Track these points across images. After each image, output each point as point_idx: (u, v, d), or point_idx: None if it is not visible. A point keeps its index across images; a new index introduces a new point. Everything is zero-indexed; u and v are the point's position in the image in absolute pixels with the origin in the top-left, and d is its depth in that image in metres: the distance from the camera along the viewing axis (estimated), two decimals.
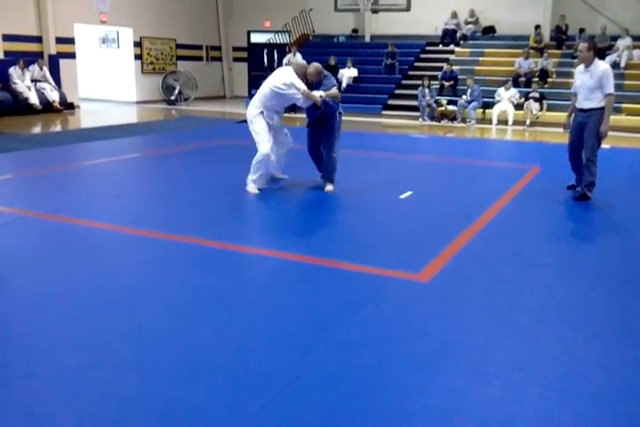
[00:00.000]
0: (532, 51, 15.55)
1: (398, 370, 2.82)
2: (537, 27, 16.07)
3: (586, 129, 6.01)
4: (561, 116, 13.07)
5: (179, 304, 3.55)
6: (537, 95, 13.53)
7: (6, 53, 14.55)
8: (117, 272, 4.08)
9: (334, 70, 16.75)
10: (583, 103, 6.05)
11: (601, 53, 15.08)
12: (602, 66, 5.95)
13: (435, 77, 15.24)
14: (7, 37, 14.58)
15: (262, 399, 2.54)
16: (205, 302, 3.60)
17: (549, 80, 14.80)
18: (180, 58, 19.81)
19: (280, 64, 18.05)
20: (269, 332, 3.20)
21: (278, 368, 2.80)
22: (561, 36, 16.00)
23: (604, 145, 6.37)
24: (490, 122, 13.70)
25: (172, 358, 2.90)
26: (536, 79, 14.50)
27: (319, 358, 2.90)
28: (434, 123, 14.14)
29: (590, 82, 5.96)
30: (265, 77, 16.94)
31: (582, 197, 6.13)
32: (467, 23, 17.71)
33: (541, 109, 13.50)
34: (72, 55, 16.20)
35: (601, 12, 16.19)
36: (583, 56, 6.05)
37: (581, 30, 15.63)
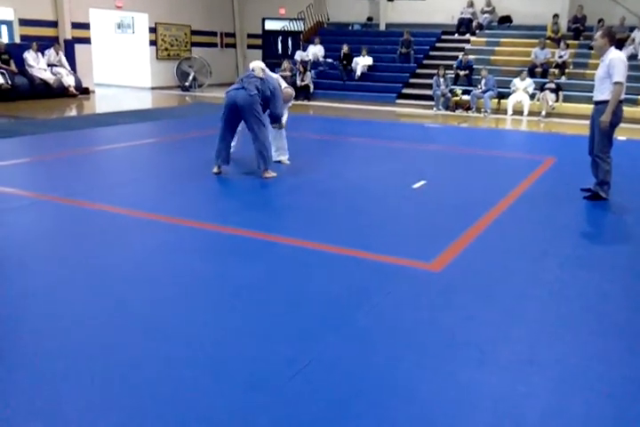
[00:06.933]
0: (548, 41, 15.39)
1: (407, 359, 2.85)
2: (555, 16, 15.90)
3: (595, 124, 5.81)
4: (577, 107, 13.11)
5: (192, 291, 3.60)
6: (553, 86, 13.42)
7: (23, 38, 14.62)
8: (130, 256, 4.14)
9: (349, 59, 16.72)
10: (594, 95, 5.84)
11: (619, 44, 14.96)
12: (613, 54, 5.61)
13: (450, 67, 15.15)
14: (24, 22, 14.64)
15: (276, 383, 2.59)
16: (218, 288, 3.65)
17: (566, 71, 14.67)
18: (194, 44, 19.79)
19: (294, 52, 18.03)
20: (281, 318, 3.23)
21: (290, 354, 2.83)
22: (578, 27, 15.83)
23: (620, 137, 6.32)
24: (505, 112, 13.62)
25: (187, 343, 2.95)
26: (553, 70, 14.37)
27: (330, 347, 2.94)
28: (448, 112, 14.07)
29: (600, 71, 5.72)
30: (279, 65, 16.83)
31: (594, 196, 5.93)
32: (483, 12, 17.56)
33: (557, 100, 13.39)
34: (87, 40, 16.24)
35: (619, 3, 15.98)
36: (596, 44, 5.82)
37: (600, 21, 15.44)
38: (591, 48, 14.69)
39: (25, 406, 2.40)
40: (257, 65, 6.63)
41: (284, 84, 6.99)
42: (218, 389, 2.55)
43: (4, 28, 15.32)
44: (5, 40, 14.69)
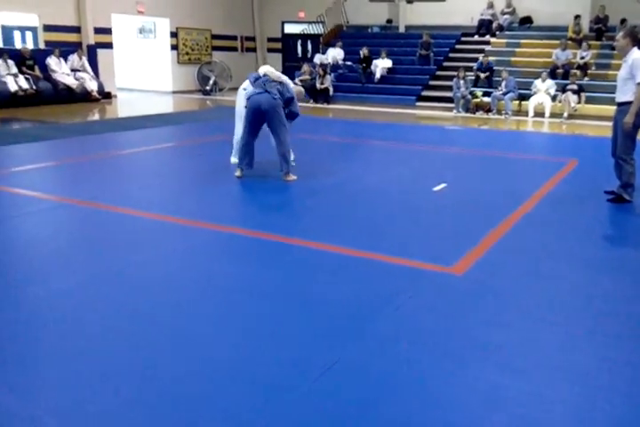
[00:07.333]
0: (569, 42, 15.26)
1: (430, 362, 2.84)
2: (576, 17, 15.76)
3: (618, 125, 5.77)
4: (599, 108, 12.98)
5: (213, 293, 3.63)
6: (575, 87, 13.30)
7: (47, 44, 14.85)
8: (151, 258, 4.18)
9: (368, 61, 16.73)
10: (617, 96, 5.80)
11: None
12: (635, 54, 5.56)
13: (470, 68, 15.10)
14: (48, 28, 14.88)
15: (297, 386, 2.60)
16: (239, 291, 3.67)
17: (588, 72, 14.53)
18: (215, 48, 19.94)
19: (314, 55, 18.09)
20: (302, 321, 3.25)
21: (313, 357, 2.85)
22: (600, 27, 15.66)
23: None
24: (526, 114, 13.53)
25: (207, 345, 2.98)
26: (575, 71, 14.24)
27: (352, 349, 2.94)
28: (468, 115, 14.02)
29: (623, 72, 5.69)
30: (299, 69, 16.90)
31: (618, 199, 5.89)
32: (503, 13, 17.45)
33: (579, 102, 13.27)
34: (110, 45, 16.45)
35: None
36: (618, 44, 5.80)
37: (622, 21, 15.26)
38: (613, 48, 14.57)
39: (48, 406, 2.44)
40: (269, 70, 6.65)
41: (291, 84, 7.02)
42: (234, 390, 2.57)
43: (29, 34, 15.57)
44: (30, 46, 14.93)
